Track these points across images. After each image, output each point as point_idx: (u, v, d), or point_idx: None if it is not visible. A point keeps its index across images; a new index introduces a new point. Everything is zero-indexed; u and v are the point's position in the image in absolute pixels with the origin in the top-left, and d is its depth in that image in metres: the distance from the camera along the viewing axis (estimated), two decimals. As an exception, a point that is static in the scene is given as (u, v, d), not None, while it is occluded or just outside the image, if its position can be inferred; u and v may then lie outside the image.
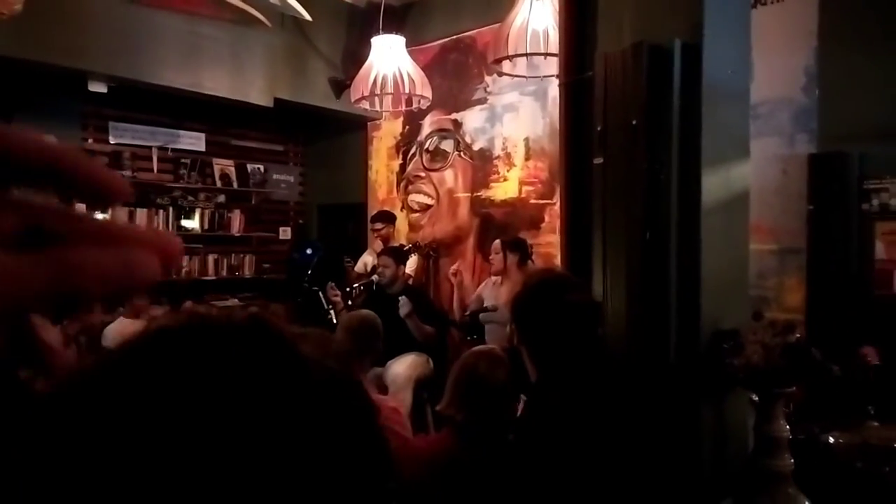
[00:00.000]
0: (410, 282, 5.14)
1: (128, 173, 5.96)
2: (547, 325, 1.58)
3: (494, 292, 4.26)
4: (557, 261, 3.54)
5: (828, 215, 3.73)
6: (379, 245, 5.30)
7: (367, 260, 5.36)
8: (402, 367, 4.30)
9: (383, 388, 3.98)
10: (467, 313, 4.47)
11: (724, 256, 2.05)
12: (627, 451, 1.49)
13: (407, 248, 5.50)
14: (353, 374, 0.42)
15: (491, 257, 4.50)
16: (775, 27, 3.88)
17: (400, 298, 4.27)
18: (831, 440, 2.32)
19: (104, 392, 0.34)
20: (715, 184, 2.01)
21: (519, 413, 1.87)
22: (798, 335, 1.98)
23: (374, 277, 4.73)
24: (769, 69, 3.71)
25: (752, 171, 2.25)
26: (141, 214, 6.01)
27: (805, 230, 3.81)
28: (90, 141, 5.93)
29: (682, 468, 1.90)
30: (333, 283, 5.15)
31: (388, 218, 5.60)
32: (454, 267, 5.10)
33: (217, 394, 0.33)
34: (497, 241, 4.43)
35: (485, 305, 4.29)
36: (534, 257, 4.46)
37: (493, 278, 4.36)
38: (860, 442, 2.29)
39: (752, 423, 2.00)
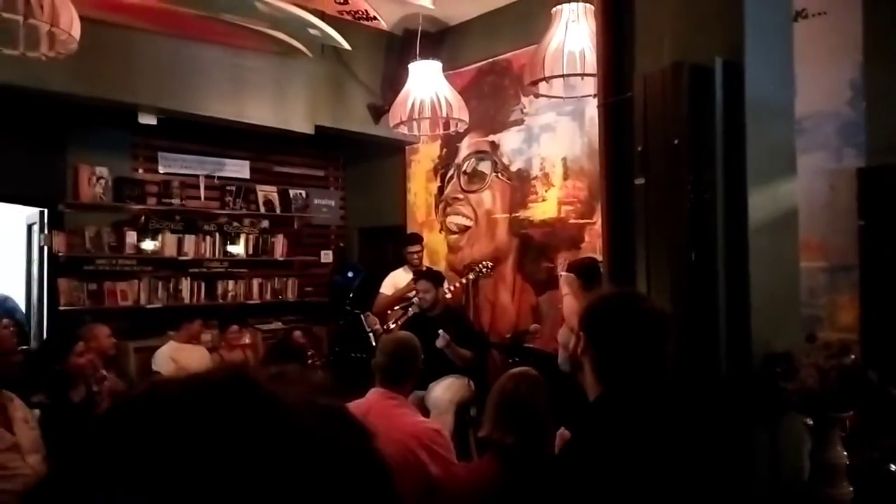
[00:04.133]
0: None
1: (177, 201, 6.15)
2: (620, 331, 1.53)
3: None
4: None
5: (880, 230, 3.61)
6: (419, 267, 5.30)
7: (398, 280, 5.35)
8: (443, 391, 4.29)
9: (424, 412, 3.97)
10: (509, 336, 4.44)
11: (774, 276, 2.00)
12: (681, 477, 1.45)
13: (480, 269, 5.43)
14: (341, 405, 0.44)
15: None
16: (818, 40, 3.80)
17: (439, 332, 4.26)
18: (893, 467, 2.22)
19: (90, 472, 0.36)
20: (762, 202, 1.97)
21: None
22: (853, 357, 1.91)
23: (415, 300, 4.76)
24: (813, 83, 3.63)
25: (799, 187, 2.20)
26: (189, 241, 6.17)
27: (856, 246, 3.69)
28: (140, 171, 6.14)
29: (735, 496, 1.84)
30: (370, 313, 5.21)
31: (420, 240, 5.63)
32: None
33: (199, 457, 0.35)
34: None
35: (529, 329, 4.25)
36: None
37: None
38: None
39: (808, 450, 1.94)
